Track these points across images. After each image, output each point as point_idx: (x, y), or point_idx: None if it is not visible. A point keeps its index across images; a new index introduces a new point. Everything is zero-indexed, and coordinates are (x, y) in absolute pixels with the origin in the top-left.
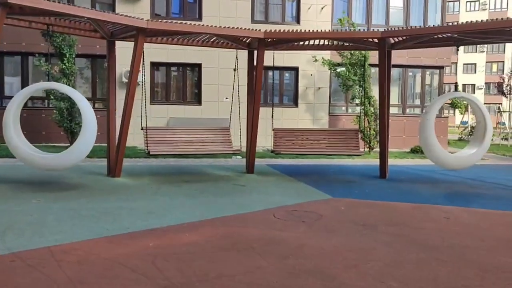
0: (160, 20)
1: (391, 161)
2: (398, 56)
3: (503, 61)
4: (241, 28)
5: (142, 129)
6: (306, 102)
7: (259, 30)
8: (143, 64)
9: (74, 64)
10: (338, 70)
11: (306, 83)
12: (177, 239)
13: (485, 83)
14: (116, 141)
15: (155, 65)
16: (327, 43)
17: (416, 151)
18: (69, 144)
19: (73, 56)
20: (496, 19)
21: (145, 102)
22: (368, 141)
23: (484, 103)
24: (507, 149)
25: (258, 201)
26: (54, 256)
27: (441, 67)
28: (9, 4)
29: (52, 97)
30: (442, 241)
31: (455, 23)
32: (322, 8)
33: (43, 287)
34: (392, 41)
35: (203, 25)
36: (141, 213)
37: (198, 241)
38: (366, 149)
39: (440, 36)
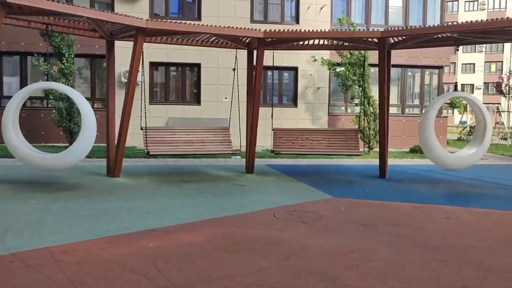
0: (159, 20)
1: (390, 161)
2: (397, 56)
3: (502, 61)
4: (240, 28)
5: (141, 129)
6: (305, 102)
7: (259, 29)
8: (143, 64)
9: (73, 64)
10: (338, 70)
11: (306, 83)
12: (177, 240)
13: (484, 83)
14: (116, 141)
15: (154, 65)
16: (326, 43)
17: (416, 151)
18: (68, 144)
19: (72, 56)
20: (496, 18)
21: (145, 102)
22: (367, 141)
23: (483, 103)
24: (506, 149)
25: (258, 201)
26: (54, 257)
27: (440, 67)
28: (8, 3)
29: (51, 97)
30: (443, 241)
31: (454, 23)
32: (321, 8)
33: None
34: (392, 41)
35: (202, 24)
36: (140, 213)
37: (198, 242)
38: (366, 149)
39: (440, 36)
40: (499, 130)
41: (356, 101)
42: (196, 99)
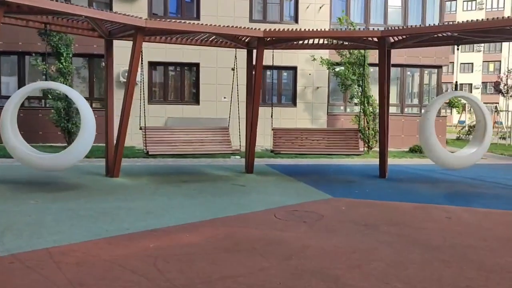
0: (158, 19)
1: (390, 161)
2: (396, 56)
3: (500, 61)
4: (240, 27)
5: (140, 128)
6: (304, 102)
7: (258, 29)
8: (142, 63)
9: (71, 64)
10: (337, 69)
11: (305, 82)
12: (177, 240)
13: (482, 82)
14: (115, 141)
15: (153, 65)
16: (326, 42)
17: (415, 150)
18: (66, 144)
19: (70, 55)
20: (497, 18)
21: (144, 102)
22: (367, 140)
23: None
24: (505, 148)
25: (258, 201)
26: (53, 258)
27: (439, 67)
28: (6, 2)
29: (50, 97)
30: (444, 241)
31: (453, 23)
32: (320, 8)
33: None
34: (392, 40)
35: (202, 24)
36: (140, 213)
37: (199, 242)
38: (365, 149)
39: (440, 35)
40: (498, 130)
41: (356, 100)
42: (195, 99)
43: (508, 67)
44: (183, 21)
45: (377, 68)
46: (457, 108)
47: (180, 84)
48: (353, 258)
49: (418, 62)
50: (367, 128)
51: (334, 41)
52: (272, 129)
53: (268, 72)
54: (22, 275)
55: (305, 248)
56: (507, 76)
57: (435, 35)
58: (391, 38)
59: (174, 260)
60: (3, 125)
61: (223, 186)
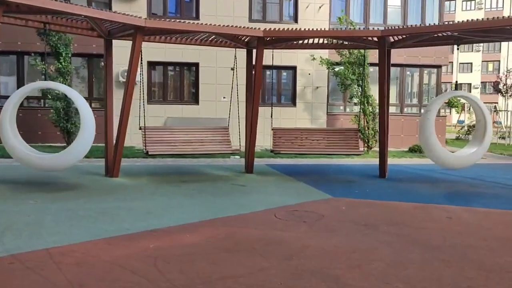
0: (157, 19)
1: (389, 161)
2: (396, 55)
3: (499, 60)
4: (240, 27)
5: (140, 128)
6: (304, 102)
7: (258, 28)
8: (141, 63)
9: (70, 64)
10: (337, 69)
11: (304, 82)
12: (177, 240)
13: (481, 82)
14: (114, 141)
15: (152, 65)
16: (326, 42)
17: (415, 150)
18: (65, 144)
19: (69, 55)
20: (498, 17)
21: (143, 101)
22: (366, 140)
23: None
24: (504, 148)
25: (258, 201)
26: (53, 258)
27: (439, 66)
28: (5, 1)
29: (49, 97)
30: (444, 241)
31: (452, 22)
32: (320, 7)
33: None
34: (392, 40)
35: (201, 23)
36: (139, 213)
37: (199, 242)
38: (365, 149)
39: (440, 34)
40: (497, 129)
41: (355, 100)
42: (195, 99)
43: (507, 67)
44: (182, 20)
45: (376, 68)
46: (456, 108)
47: (180, 84)
48: (353, 258)
49: (418, 62)
50: (366, 128)
51: (334, 40)
52: (272, 129)
53: (268, 72)
54: (22, 276)
55: (305, 248)
56: (506, 76)
57: (435, 35)
58: (391, 37)
59: (174, 261)
60: (2, 125)
61: (223, 186)
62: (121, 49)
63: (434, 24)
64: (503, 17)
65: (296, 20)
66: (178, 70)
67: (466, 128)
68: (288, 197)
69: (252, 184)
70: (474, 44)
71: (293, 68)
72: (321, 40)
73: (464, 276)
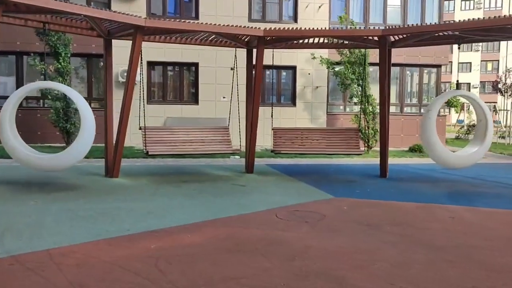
0: (157, 19)
1: (390, 160)
2: (396, 55)
3: (498, 60)
4: (240, 26)
5: (140, 128)
6: (304, 101)
7: (258, 28)
8: (141, 63)
9: (69, 64)
10: (337, 69)
11: (304, 82)
12: (178, 241)
13: (480, 82)
14: (114, 141)
15: (151, 65)
16: (326, 41)
17: (415, 150)
18: (64, 144)
19: (69, 55)
20: (499, 16)
21: (144, 101)
22: (366, 140)
23: None
24: (504, 148)
25: (259, 201)
26: (53, 259)
27: (438, 66)
28: (4, 1)
29: (49, 97)
30: (448, 241)
31: (452, 22)
32: (319, 7)
33: None
34: (392, 39)
35: (201, 23)
36: (140, 214)
37: (200, 243)
38: (365, 148)
39: (441, 34)
40: (497, 129)
41: (355, 100)
42: (194, 99)
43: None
44: (182, 20)
45: (376, 68)
46: (455, 108)
47: (179, 84)
48: (357, 258)
49: (418, 62)
50: (366, 128)
51: (335, 40)
52: (272, 129)
53: (268, 72)
54: (22, 277)
55: (308, 248)
56: (505, 75)
57: (436, 34)
58: (391, 37)
59: (175, 261)
60: (2, 125)
61: (223, 186)
62: (121, 49)
63: (435, 23)
64: (504, 16)
65: (295, 20)
66: (177, 70)
67: (465, 127)
68: (289, 197)
69: (253, 184)
70: (473, 44)
71: (293, 68)
72: (321, 40)
73: (470, 276)
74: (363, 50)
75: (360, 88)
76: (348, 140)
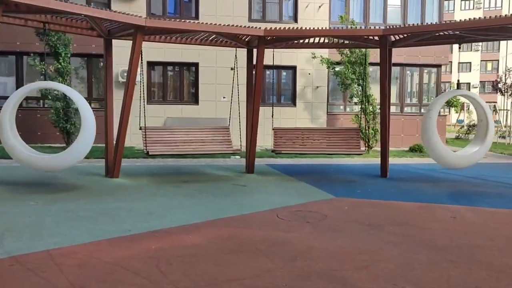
0: (157, 19)
1: (390, 160)
2: (396, 55)
3: (498, 60)
4: (240, 26)
5: (140, 129)
6: (304, 101)
7: (259, 28)
8: (141, 63)
9: (69, 64)
10: (337, 69)
11: (304, 82)
12: (179, 241)
13: (480, 81)
14: (114, 141)
15: (151, 65)
16: (327, 41)
17: (415, 149)
18: (65, 145)
19: (69, 55)
20: (500, 16)
21: (144, 102)
22: (367, 140)
23: None
24: (505, 147)
25: (260, 201)
26: (54, 260)
27: (438, 66)
28: (4, 1)
29: (49, 97)
30: (450, 241)
31: (452, 21)
32: (319, 7)
33: None
34: (393, 39)
35: (202, 23)
36: (140, 214)
37: (201, 243)
38: (366, 148)
39: (442, 33)
40: (497, 129)
41: (355, 100)
42: (194, 99)
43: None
44: (182, 20)
45: (376, 67)
46: (455, 108)
47: (179, 84)
48: (360, 259)
49: (418, 61)
50: (367, 128)
51: (335, 40)
52: (273, 129)
53: (268, 72)
54: (22, 277)
55: (310, 249)
56: (505, 75)
57: (437, 34)
58: (392, 36)
59: (177, 262)
60: (2, 125)
61: (224, 186)
62: (121, 49)
63: (435, 23)
64: (505, 15)
65: (296, 20)
66: (177, 70)
67: (465, 127)
68: (290, 197)
69: (253, 184)
70: (473, 44)
71: (293, 68)
72: (321, 40)
73: (473, 276)
74: (363, 50)
75: (361, 88)
76: (349, 140)
